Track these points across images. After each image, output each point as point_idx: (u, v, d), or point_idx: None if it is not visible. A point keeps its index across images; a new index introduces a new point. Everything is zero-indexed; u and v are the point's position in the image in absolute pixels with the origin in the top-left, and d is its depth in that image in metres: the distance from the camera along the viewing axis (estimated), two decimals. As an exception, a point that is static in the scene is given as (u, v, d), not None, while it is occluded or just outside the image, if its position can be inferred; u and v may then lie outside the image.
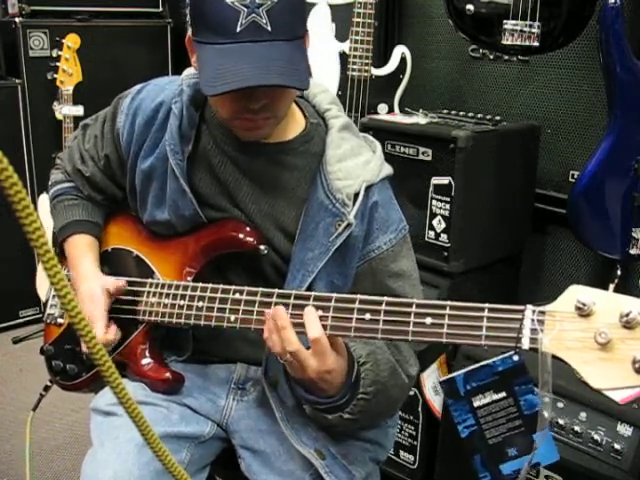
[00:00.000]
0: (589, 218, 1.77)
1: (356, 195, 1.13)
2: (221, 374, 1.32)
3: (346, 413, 1.09)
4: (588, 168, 1.73)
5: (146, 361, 1.25)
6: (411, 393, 1.87)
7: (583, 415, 1.48)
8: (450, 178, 1.75)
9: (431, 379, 1.86)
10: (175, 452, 1.20)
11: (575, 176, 1.96)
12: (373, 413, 1.15)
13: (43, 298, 2.96)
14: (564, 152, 2.10)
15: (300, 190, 1.19)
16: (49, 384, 1.45)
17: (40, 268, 2.85)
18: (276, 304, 1.05)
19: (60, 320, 1.39)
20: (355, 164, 1.16)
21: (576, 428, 1.48)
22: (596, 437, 1.46)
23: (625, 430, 1.43)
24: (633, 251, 1.75)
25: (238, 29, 0.98)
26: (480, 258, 1.90)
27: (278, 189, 1.20)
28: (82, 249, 1.31)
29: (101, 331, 1.20)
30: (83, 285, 1.25)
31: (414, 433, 1.92)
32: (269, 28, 0.99)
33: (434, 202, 1.80)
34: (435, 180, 1.79)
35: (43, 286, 2.91)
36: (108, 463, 1.12)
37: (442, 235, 1.80)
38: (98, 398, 1.28)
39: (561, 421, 1.51)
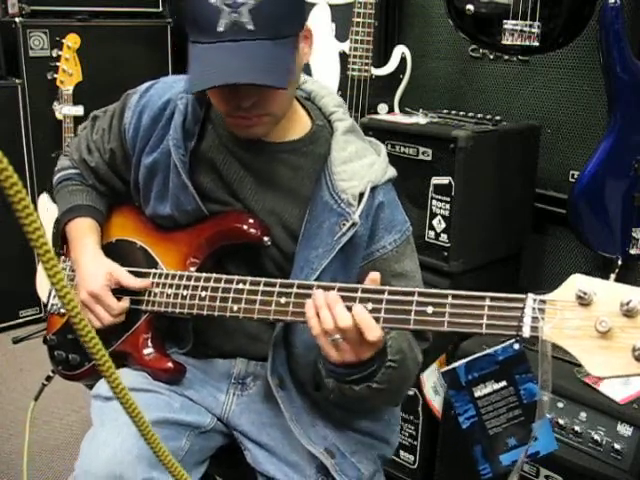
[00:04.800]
0: (589, 218, 1.77)
1: (361, 195, 1.14)
2: (221, 369, 1.33)
3: (374, 382, 1.08)
4: (588, 168, 1.73)
5: (148, 351, 1.26)
6: (411, 393, 1.88)
7: (583, 415, 1.48)
8: (450, 178, 1.75)
9: (431, 379, 1.86)
10: (175, 439, 1.21)
11: (575, 176, 1.96)
12: (395, 385, 1.14)
13: (43, 298, 2.96)
14: (564, 152, 2.10)
15: (304, 190, 1.20)
16: (51, 374, 1.46)
17: (40, 268, 2.85)
18: (278, 294, 1.06)
19: (63, 310, 1.40)
20: (360, 166, 1.17)
21: (576, 428, 1.49)
22: (596, 437, 1.46)
23: (625, 430, 1.43)
24: (633, 251, 1.75)
25: (220, 29, 1.00)
26: (480, 258, 1.90)
27: (281, 188, 1.21)
28: (84, 231, 1.32)
29: (114, 301, 1.22)
30: (84, 264, 1.27)
31: (414, 433, 1.92)
32: (251, 27, 1.00)
33: (434, 202, 1.80)
34: (435, 180, 1.79)
35: (43, 286, 2.92)
36: (108, 442, 1.12)
37: (442, 235, 1.80)
38: (99, 386, 1.29)
39: (561, 421, 1.51)
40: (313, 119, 1.23)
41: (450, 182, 1.75)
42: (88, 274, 1.25)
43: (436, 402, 1.86)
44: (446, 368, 1.04)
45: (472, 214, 1.81)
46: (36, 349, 2.91)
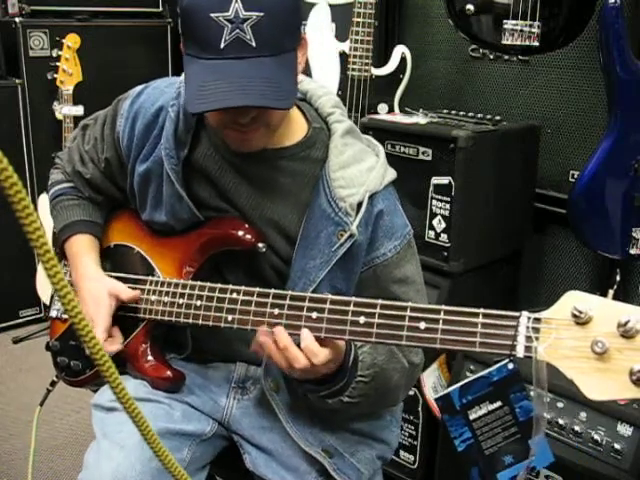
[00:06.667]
0: (589, 218, 1.77)
1: (359, 205, 1.12)
2: (221, 373, 1.33)
3: (345, 397, 1.10)
4: (588, 168, 1.73)
5: (147, 359, 1.25)
6: (411, 393, 1.87)
7: (583, 415, 1.48)
8: (450, 178, 1.75)
9: (431, 379, 1.86)
10: (176, 450, 1.20)
11: (575, 176, 1.96)
12: (374, 397, 1.15)
13: (43, 298, 2.96)
14: (564, 152, 2.10)
15: (302, 195, 1.18)
16: (55, 379, 1.45)
17: (40, 268, 2.85)
18: (272, 305, 1.05)
19: (65, 315, 1.39)
20: (358, 170, 1.15)
21: (576, 428, 1.48)
22: (596, 437, 1.46)
23: (625, 430, 1.43)
24: (633, 251, 1.75)
25: (222, 45, 0.98)
26: (480, 258, 1.90)
27: (279, 194, 1.19)
28: (83, 249, 1.31)
29: (101, 337, 1.19)
30: (86, 285, 1.25)
31: (414, 433, 1.92)
32: (254, 44, 0.98)
33: (434, 202, 1.80)
34: (435, 180, 1.79)
35: (43, 286, 2.92)
36: (111, 455, 1.13)
37: (442, 235, 1.80)
38: (99, 395, 1.28)
39: (561, 421, 1.51)
40: (310, 121, 1.20)
41: (450, 182, 1.75)
42: (88, 297, 1.23)
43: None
44: (440, 394, 1.03)
45: (472, 214, 1.81)
46: (36, 349, 2.91)
